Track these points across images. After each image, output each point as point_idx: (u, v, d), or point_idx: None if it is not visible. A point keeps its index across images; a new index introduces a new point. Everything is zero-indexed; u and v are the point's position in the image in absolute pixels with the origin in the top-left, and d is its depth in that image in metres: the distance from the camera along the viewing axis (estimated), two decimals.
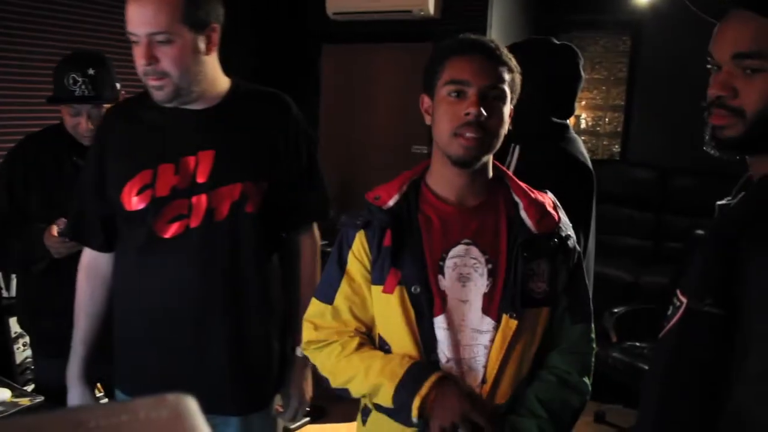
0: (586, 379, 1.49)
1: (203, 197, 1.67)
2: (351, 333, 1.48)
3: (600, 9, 5.39)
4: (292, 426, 3.12)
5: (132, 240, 1.71)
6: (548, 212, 1.48)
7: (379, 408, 1.45)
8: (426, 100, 1.47)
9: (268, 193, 1.73)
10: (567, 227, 1.51)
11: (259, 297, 1.77)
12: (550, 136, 2.14)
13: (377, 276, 1.44)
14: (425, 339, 1.41)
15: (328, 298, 1.50)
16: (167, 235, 1.67)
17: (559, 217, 1.50)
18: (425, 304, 1.40)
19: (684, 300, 1.13)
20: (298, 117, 1.83)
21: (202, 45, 1.64)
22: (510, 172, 1.55)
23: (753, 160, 1.14)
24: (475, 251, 1.43)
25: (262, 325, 1.79)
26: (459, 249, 1.43)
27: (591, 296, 2.30)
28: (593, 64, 5.70)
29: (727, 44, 1.07)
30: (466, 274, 1.42)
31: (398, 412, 1.39)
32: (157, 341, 1.73)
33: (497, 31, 4.63)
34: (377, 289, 1.44)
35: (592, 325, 1.54)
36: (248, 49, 5.13)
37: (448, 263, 1.43)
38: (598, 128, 5.81)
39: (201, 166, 1.67)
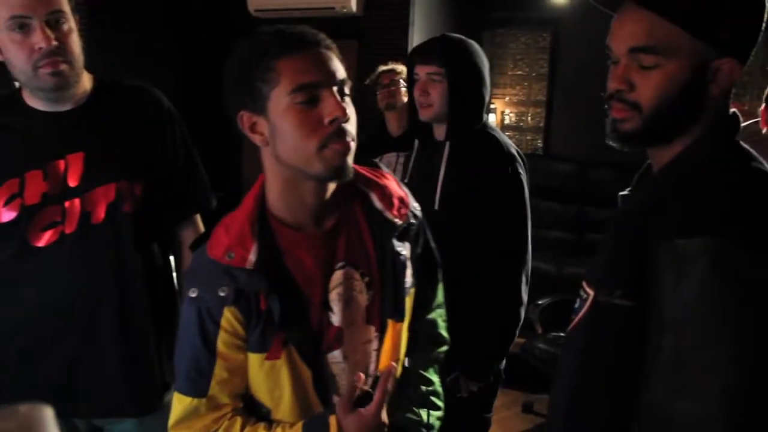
0: (445, 333, 1.52)
1: (76, 201, 1.60)
2: (229, 415, 1.25)
3: (520, 6, 5.49)
4: None
5: (0, 252, 1.62)
6: (399, 194, 1.35)
7: None
8: (248, 118, 1.20)
9: (145, 190, 1.68)
10: (413, 199, 1.41)
11: (146, 295, 1.72)
12: (483, 129, 2.19)
13: (257, 343, 1.22)
14: (321, 388, 1.26)
15: (199, 392, 1.23)
16: (41, 244, 1.59)
17: (407, 193, 1.39)
18: (318, 356, 1.26)
19: (591, 292, 1.12)
20: (170, 108, 1.79)
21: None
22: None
23: (652, 151, 1.15)
24: (351, 272, 1.29)
25: (152, 323, 1.74)
26: (337, 276, 1.27)
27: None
28: (515, 60, 5.80)
29: (623, 38, 1.07)
30: (349, 298, 1.29)
31: None
32: (41, 354, 1.64)
33: (420, 28, 4.65)
34: (257, 357, 1.23)
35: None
36: (169, 49, 5.01)
37: (333, 296, 1.27)
38: (521, 123, 5.92)
39: (71, 169, 1.60)
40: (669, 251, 0.97)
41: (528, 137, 5.90)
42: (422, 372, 1.44)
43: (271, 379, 1.24)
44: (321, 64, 1.16)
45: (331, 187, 1.26)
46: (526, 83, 5.84)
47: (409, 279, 1.35)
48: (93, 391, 1.66)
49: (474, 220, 2.12)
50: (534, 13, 5.48)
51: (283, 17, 4.78)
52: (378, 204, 1.31)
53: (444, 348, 1.52)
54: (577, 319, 1.17)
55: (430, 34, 4.68)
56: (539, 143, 5.82)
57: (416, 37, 4.55)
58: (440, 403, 1.43)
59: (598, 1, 1.11)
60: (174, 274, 1.89)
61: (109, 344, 1.66)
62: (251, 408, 1.29)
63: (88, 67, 1.67)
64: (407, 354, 1.42)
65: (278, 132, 1.17)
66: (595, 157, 5.10)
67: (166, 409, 1.82)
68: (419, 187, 2.03)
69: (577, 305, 1.19)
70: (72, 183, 1.60)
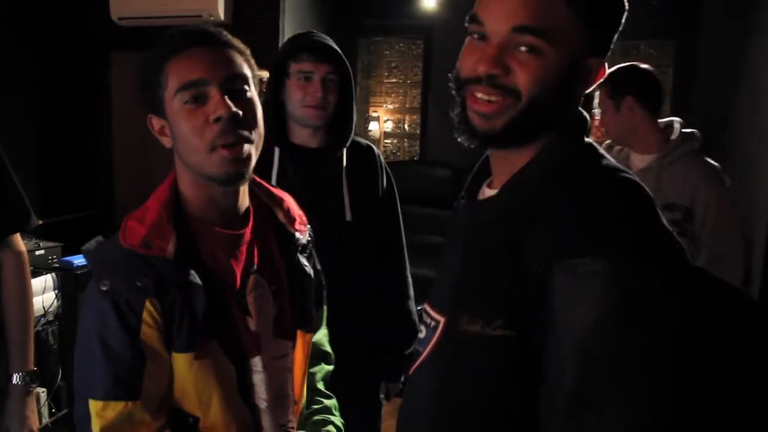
0: (331, 351, 1.55)
1: None
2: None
3: (392, 14, 5.53)
4: None
5: None
6: (297, 212, 1.38)
7: None
8: (156, 122, 1.19)
9: None
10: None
11: None
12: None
13: (184, 342, 1.14)
14: (245, 392, 1.22)
15: (132, 393, 1.11)
16: None
17: (302, 212, 1.41)
18: (240, 355, 1.21)
19: (440, 319, 0.98)
20: None
21: None
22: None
23: (505, 153, 0.99)
24: (260, 279, 1.26)
25: None
26: (252, 280, 1.25)
27: None
28: (390, 68, 5.84)
29: (507, 14, 0.89)
30: (261, 305, 1.26)
31: None
32: None
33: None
34: (185, 358, 1.14)
35: None
36: (26, 59, 4.70)
37: (250, 299, 1.24)
38: (398, 131, 5.97)
39: None
40: (562, 273, 0.82)
41: (406, 144, 5.96)
42: (320, 388, 1.47)
43: (200, 381, 1.16)
44: (206, 61, 1.12)
45: (243, 190, 1.24)
46: (401, 91, 5.90)
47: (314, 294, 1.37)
48: None
49: (384, 225, 2.13)
50: (407, 20, 5.54)
51: (147, 25, 4.60)
52: (282, 218, 1.32)
53: (331, 366, 1.53)
54: (426, 352, 0.99)
55: None
56: (417, 149, 5.89)
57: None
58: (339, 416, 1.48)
59: None
60: None
61: None
62: (177, 421, 1.18)
63: None
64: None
65: (175, 134, 1.15)
66: (470, 163, 5.20)
67: None
68: (312, 199, 1.94)
69: (422, 335, 1.01)
70: None
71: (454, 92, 0.98)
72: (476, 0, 0.96)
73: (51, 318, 3.09)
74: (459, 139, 0.98)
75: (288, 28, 4.57)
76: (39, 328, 2.97)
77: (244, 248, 1.24)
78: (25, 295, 1.74)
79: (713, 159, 2.51)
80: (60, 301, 3.10)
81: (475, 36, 0.94)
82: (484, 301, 0.91)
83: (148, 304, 1.11)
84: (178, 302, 1.12)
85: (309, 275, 1.34)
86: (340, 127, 2.04)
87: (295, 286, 1.31)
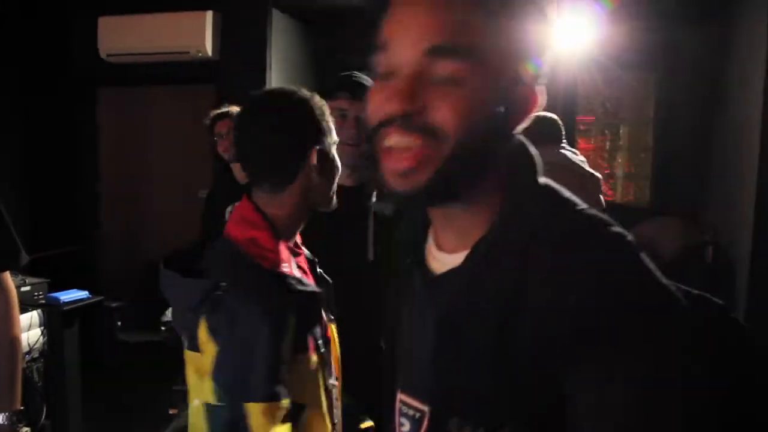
0: None
1: None
2: None
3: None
4: None
5: None
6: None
7: None
8: (320, 155, 1.42)
9: None
10: None
11: None
12: None
13: (298, 340, 1.32)
14: (326, 373, 1.43)
15: (286, 392, 1.29)
16: None
17: None
18: (326, 344, 1.44)
19: (424, 409, 0.84)
20: None
21: None
22: None
23: (447, 210, 0.82)
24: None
25: None
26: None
27: None
28: None
29: (416, 31, 0.73)
30: None
31: None
32: None
33: (278, 73, 4.63)
34: (297, 354, 1.34)
35: None
36: (13, 96, 4.73)
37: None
38: None
39: None
40: (589, 362, 0.70)
41: None
42: None
43: (304, 372, 1.35)
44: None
45: None
46: None
47: None
48: None
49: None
50: None
51: (138, 62, 4.64)
52: (299, 241, 1.54)
53: None
54: None
55: (288, 76, 4.67)
56: None
57: (274, 79, 4.52)
58: None
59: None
60: None
61: None
62: (291, 412, 1.32)
63: None
64: None
65: (328, 167, 1.43)
66: None
67: None
68: (337, 236, 1.93)
69: (406, 429, 0.87)
70: None
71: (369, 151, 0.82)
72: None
73: (36, 355, 3.06)
74: (384, 209, 0.82)
75: (275, 64, 4.61)
76: (23, 365, 2.94)
77: (302, 263, 1.48)
78: (13, 334, 1.71)
79: None
80: (46, 338, 3.08)
81: (382, 73, 0.77)
82: (483, 405, 0.76)
83: (290, 318, 1.29)
84: (300, 308, 1.32)
85: (329, 281, 1.54)
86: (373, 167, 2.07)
87: (322, 290, 1.51)
